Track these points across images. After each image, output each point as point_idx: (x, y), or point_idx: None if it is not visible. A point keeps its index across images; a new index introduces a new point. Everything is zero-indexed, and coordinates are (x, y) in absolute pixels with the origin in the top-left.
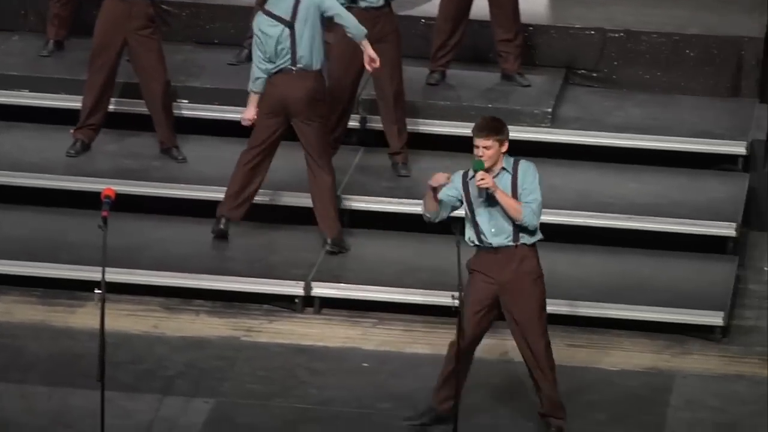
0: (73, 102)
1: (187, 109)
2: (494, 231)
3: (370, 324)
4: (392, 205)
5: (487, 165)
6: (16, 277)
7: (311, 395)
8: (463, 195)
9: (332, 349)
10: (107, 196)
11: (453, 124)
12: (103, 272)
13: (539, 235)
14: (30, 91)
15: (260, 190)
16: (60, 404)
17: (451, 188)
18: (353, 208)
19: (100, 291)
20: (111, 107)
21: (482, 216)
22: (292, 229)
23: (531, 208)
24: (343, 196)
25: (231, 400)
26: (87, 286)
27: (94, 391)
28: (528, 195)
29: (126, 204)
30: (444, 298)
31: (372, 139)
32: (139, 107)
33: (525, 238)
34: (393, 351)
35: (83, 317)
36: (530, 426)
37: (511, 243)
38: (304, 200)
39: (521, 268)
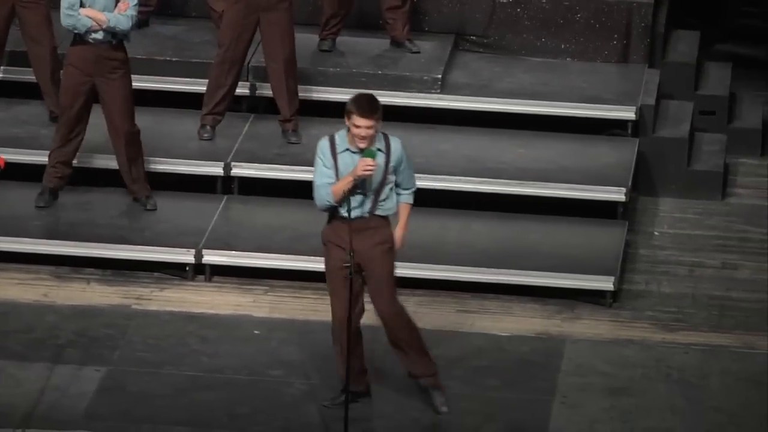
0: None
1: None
2: (354, 205)
3: (261, 291)
4: (282, 172)
5: (368, 146)
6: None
7: (202, 363)
8: (333, 166)
9: (223, 317)
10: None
11: (343, 91)
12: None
13: (394, 209)
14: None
15: (147, 157)
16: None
17: (325, 163)
18: (243, 175)
19: None
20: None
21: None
22: (181, 196)
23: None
24: (233, 162)
25: (122, 368)
26: None
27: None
28: (409, 181)
29: (14, 173)
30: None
31: (262, 107)
32: (29, 75)
33: (380, 210)
34: (284, 318)
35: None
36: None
37: (366, 215)
38: (190, 168)
39: (374, 238)
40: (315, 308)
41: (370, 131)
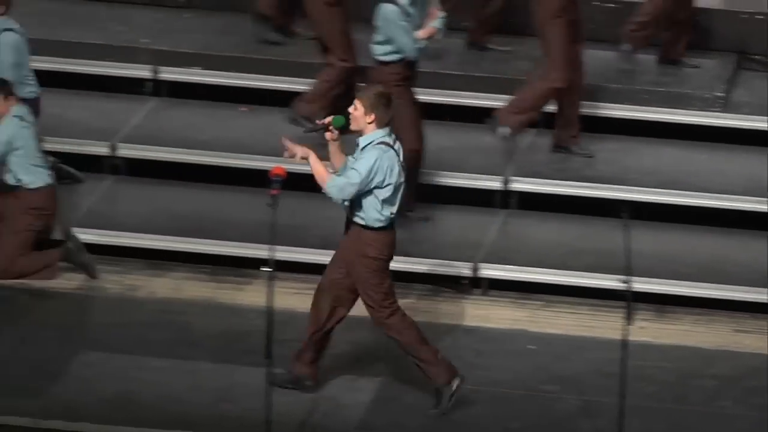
0: (245, 80)
1: None
2: (347, 202)
3: (537, 306)
4: (561, 187)
5: (352, 127)
6: (185, 253)
7: (477, 376)
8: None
9: (498, 331)
10: (277, 175)
11: (625, 108)
12: (272, 250)
13: (376, 224)
14: (202, 68)
15: (426, 171)
16: (226, 381)
17: None
18: (521, 189)
19: (268, 269)
20: None
21: None
22: (460, 210)
23: (337, 183)
24: (513, 177)
25: (397, 379)
26: (255, 263)
27: (260, 368)
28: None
29: (295, 183)
30: (610, 282)
31: (543, 121)
32: None
33: (359, 219)
34: (559, 333)
35: (251, 295)
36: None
37: (354, 218)
38: (468, 181)
39: (354, 246)
40: (590, 324)
41: (354, 111)
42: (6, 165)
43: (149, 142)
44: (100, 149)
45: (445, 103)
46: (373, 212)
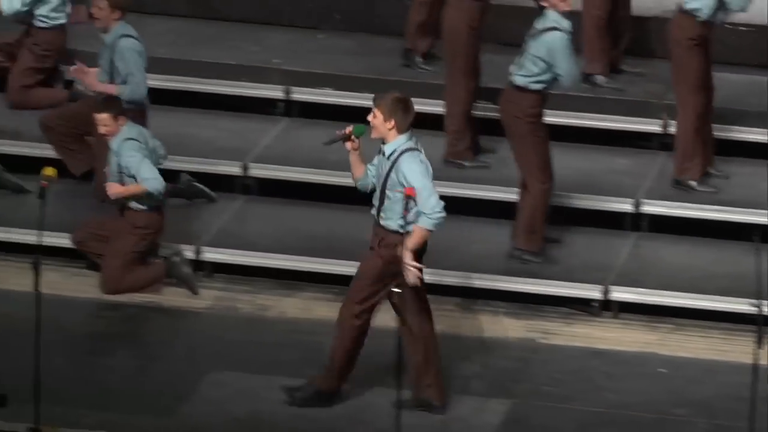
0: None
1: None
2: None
3: (667, 329)
4: (691, 210)
5: (373, 135)
6: (315, 274)
7: (607, 399)
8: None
9: (629, 354)
10: (408, 196)
11: (759, 131)
12: (405, 270)
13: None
14: (333, 89)
15: (557, 192)
16: (356, 402)
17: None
18: (652, 212)
19: (398, 290)
20: None
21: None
22: (590, 232)
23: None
24: (644, 200)
25: (526, 402)
26: None
27: (389, 389)
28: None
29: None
30: (741, 305)
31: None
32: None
33: (382, 220)
34: (689, 357)
35: (380, 315)
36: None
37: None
38: (600, 203)
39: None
40: (721, 348)
41: (373, 119)
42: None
43: (280, 162)
44: (232, 169)
45: (573, 125)
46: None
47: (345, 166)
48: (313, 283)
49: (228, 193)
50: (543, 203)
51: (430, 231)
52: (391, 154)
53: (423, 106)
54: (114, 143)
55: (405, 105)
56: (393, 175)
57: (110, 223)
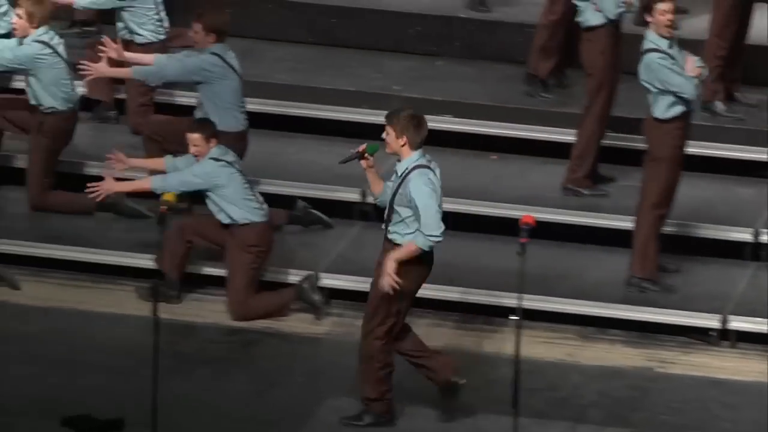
0: (496, 129)
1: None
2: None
3: None
4: None
5: (387, 151)
6: (433, 300)
7: (724, 429)
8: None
9: (746, 384)
10: (526, 223)
11: None
12: (520, 299)
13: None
14: (453, 116)
15: (676, 221)
16: (472, 428)
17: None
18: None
19: (516, 317)
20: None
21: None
22: (709, 261)
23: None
24: (763, 229)
25: (643, 430)
26: (503, 312)
27: (506, 416)
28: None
29: (544, 231)
30: None
31: None
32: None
33: (390, 234)
34: None
35: (498, 343)
36: None
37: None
38: (720, 233)
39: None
40: None
41: (386, 137)
42: (217, 205)
43: None
44: (351, 195)
45: (693, 153)
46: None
47: (464, 193)
48: (431, 309)
49: (346, 219)
50: (656, 229)
51: (418, 251)
52: (404, 175)
53: (541, 134)
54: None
55: (417, 122)
56: (401, 191)
57: (215, 231)
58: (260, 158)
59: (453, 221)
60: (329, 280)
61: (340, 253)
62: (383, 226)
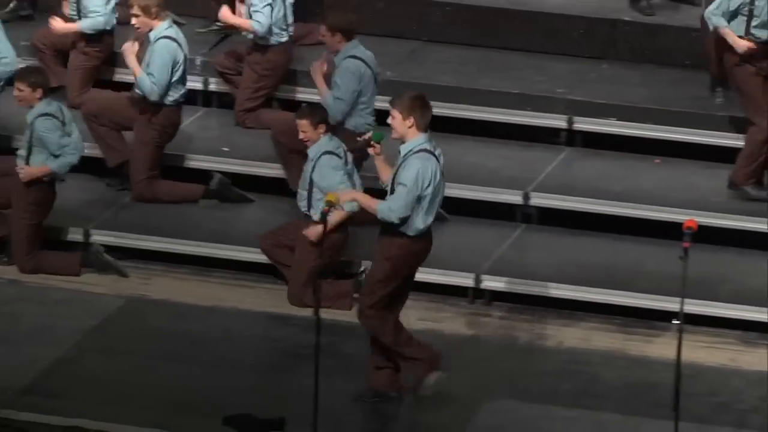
0: (660, 132)
1: None
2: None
3: None
4: None
5: (393, 136)
6: (594, 304)
7: None
8: None
9: None
10: (689, 228)
11: None
12: (682, 303)
13: (414, 232)
14: (617, 119)
15: None
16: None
17: None
18: None
19: (678, 321)
20: None
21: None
22: None
23: (386, 206)
24: None
25: None
26: (665, 316)
27: (667, 421)
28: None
29: (707, 235)
30: None
31: None
32: None
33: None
34: None
35: (660, 347)
36: None
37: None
38: None
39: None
40: None
41: (392, 121)
42: (308, 199)
43: (561, 192)
44: (514, 198)
45: None
46: (417, 220)
47: (626, 197)
48: (593, 313)
49: (508, 221)
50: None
51: (375, 212)
52: (406, 153)
53: (705, 137)
54: (311, 151)
55: (423, 103)
56: (401, 170)
57: (293, 231)
58: None
59: (616, 225)
60: (491, 282)
61: (502, 256)
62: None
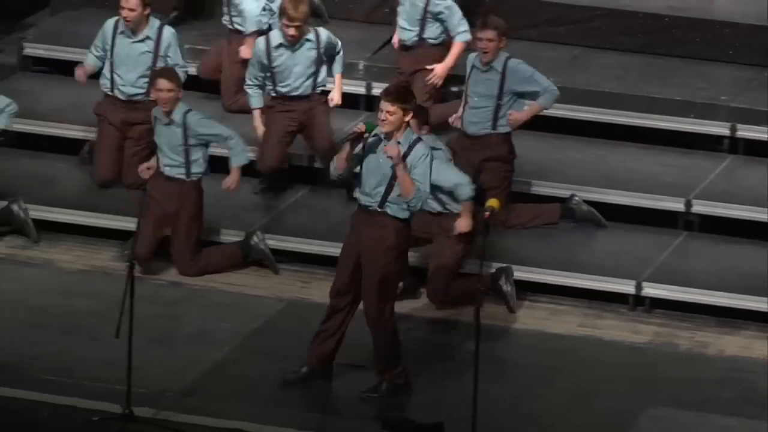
0: None
1: None
2: (367, 191)
3: None
4: None
5: (386, 130)
6: (756, 312)
7: None
8: (361, 149)
9: None
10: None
11: None
12: None
13: (406, 214)
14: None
15: None
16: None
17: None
18: None
19: None
20: None
21: (365, 174)
22: None
23: (421, 194)
24: None
25: None
26: None
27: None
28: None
29: None
30: None
31: None
32: None
33: (391, 208)
34: None
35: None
36: None
37: (376, 208)
38: None
39: (377, 234)
40: None
41: (390, 117)
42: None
43: (723, 200)
44: (676, 205)
45: None
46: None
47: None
48: (754, 321)
49: (670, 228)
50: None
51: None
52: (412, 148)
53: None
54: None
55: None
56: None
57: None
58: (583, 166)
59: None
60: (651, 290)
61: (664, 263)
62: (356, 195)
